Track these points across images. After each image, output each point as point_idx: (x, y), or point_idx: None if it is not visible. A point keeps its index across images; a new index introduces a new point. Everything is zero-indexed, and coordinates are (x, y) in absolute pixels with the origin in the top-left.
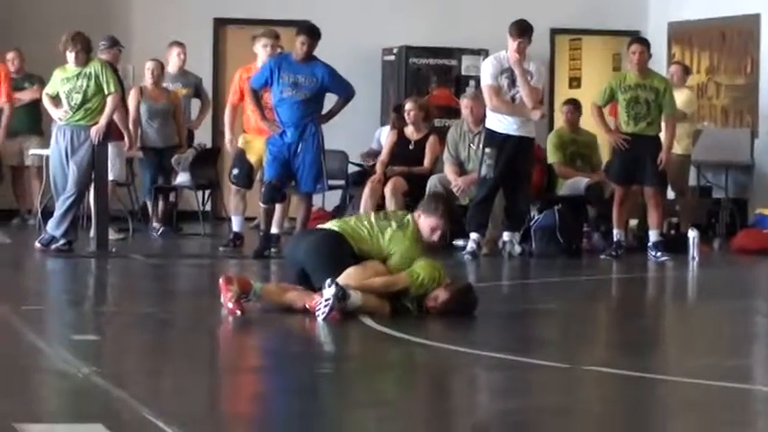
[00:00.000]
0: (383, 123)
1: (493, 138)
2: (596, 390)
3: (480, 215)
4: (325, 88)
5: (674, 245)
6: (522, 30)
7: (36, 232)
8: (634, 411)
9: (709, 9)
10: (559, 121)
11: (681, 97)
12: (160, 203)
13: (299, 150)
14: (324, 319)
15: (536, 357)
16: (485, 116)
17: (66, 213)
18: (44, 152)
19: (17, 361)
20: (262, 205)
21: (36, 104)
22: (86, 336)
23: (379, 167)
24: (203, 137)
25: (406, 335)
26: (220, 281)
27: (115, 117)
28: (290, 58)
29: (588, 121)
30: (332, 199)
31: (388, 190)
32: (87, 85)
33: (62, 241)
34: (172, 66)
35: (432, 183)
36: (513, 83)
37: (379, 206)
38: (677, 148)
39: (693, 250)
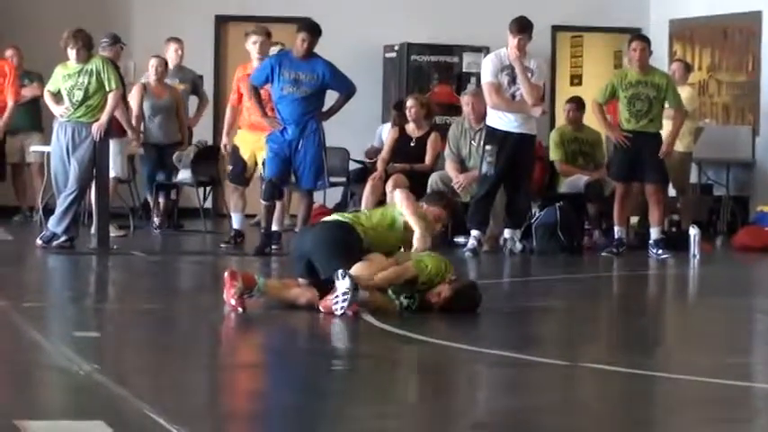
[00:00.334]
0: (384, 120)
1: (494, 135)
2: (597, 387)
3: (481, 212)
4: (326, 85)
5: (675, 242)
6: (522, 26)
7: (37, 229)
8: (634, 408)
9: (710, 6)
10: (561, 118)
11: (682, 95)
12: (161, 200)
13: (299, 147)
14: (344, 313)
15: (537, 354)
16: (486, 113)
17: (67, 210)
18: (45, 149)
19: (18, 358)
20: (262, 202)
21: (35, 102)
22: (87, 333)
23: (380, 164)
24: (204, 134)
25: (408, 332)
26: (225, 275)
27: (117, 114)
28: (291, 55)
29: (592, 119)
30: (333, 196)
31: (389, 187)
32: (89, 82)
33: (63, 238)
34: (169, 62)
35: (433, 180)
36: (513, 80)
37: (381, 203)
38: (678, 146)
39: (694, 248)
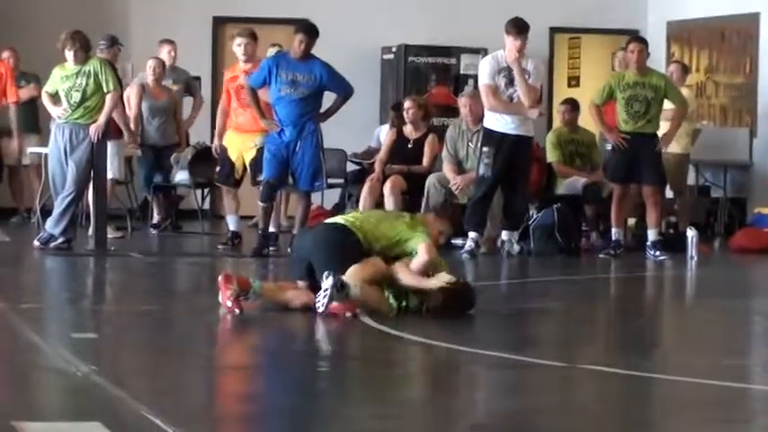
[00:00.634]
0: (382, 122)
1: (491, 137)
2: (594, 389)
3: (479, 214)
4: (324, 86)
5: (672, 244)
6: (522, 28)
7: (35, 231)
8: (632, 410)
9: (708, 8)
10: (558, 120)
11: None
12: (156, 202)
13: (297, 149)
14: (323, 311)
15: (534, 356)
16: (483, 115)
17: (64, 212)
18: (43, 150)
19: (16, 359)
20: (260, 204)
21: (33, 103)
22: (85, 334)
23: (377, 166)
24: (202, 135)
25: (405, 333)
26: (220, 279)
27: (114, 115)
28: (289, 56)
29: (587, 120)
30: (331, 197)
31: (386, 188)
32: (86, 84)
33: (61, 239)
34: None
35: (430, 182)
36: (510, 82)
37: (378, 204)
38: (676, 147)
39: (692, 249)
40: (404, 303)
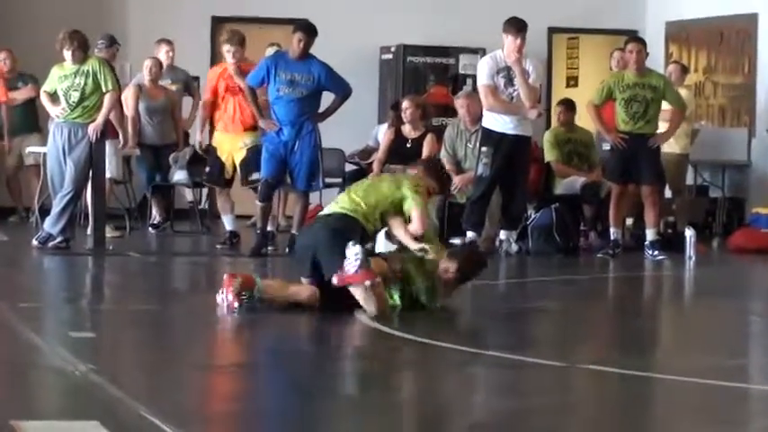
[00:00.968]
0: (380, 121)
1: (490, 136)
2: (593, 388)
3: (477, 214)
4: (322, 86)
5: (670, 244)
6: (521, 26)
7: (33, 230)
8: (630, 410)
9: (706, 8)
10: (555, 120)
11: None
12: (155, 202)
13: (295, 148)
14: (355, 272)
15: (533, 356)
16: (481, 115)
17: (63, 211)
18: (41, 150)
19: (14, 358)
20: (258, 203)
21: (32, 103)
22: (83, 333)
23: (376, 165)
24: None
25: (404, 333)
26: (225, 276)
27: (111, 115)
28: (287, 56)
29: (585, 119)
30: (329, 197)
31: None
32: (85, 83)
33: (59, 239)
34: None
35: None
36: (509, 81)
37: None
38: (675, 147)
39: (690, 249)
40: (397, 301)
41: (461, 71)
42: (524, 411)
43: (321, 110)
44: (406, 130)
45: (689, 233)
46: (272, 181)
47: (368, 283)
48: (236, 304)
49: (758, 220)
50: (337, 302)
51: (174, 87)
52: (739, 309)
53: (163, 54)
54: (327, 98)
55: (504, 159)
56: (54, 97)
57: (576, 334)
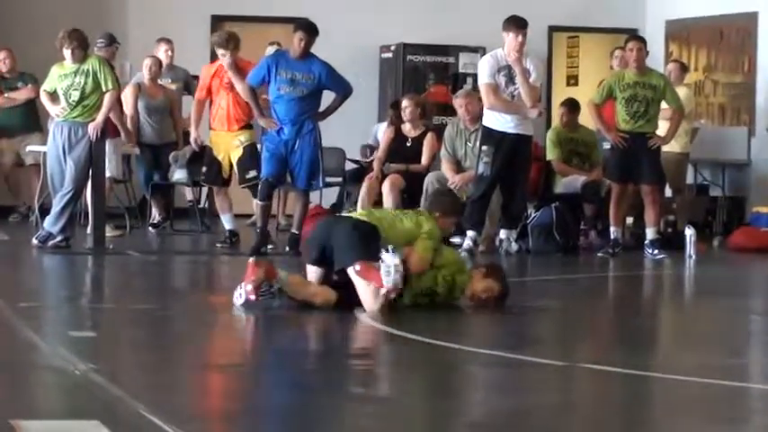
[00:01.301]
0: (381, 120)
1: (490, 135)
2: (592, 387)
3: (477, 213)
4: (323, 85)
5: (670, 243)
6: (522, 24)
7: (33, 229)
8: (630, 409)
9: (706, 7)
10: (557, 119)
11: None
12: (155, 201)
13: (296, 147)
14: (394, 286)
15: (532, 355)
16: (481, 114)
17: (63, 210)
18: (42, 149)
19: (14, 358)
20: (258, 202)
21: (32, 103)
22: (83, 332)
23: (376, 164)
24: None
25: (404, 332)
26: (250, 261)
27: (111, 115)
28: (288, 54)
29: (587, 119)
30: (329, 196)
31: (385, 187)
32: (85, 82)
33: (59, 238)
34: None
35: (429, 180)
36: (510, 80)
37: (377, 203)
38: (675, 146)
39: (690, 248)
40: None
41: (461, 70)
42: (524, 410)
43: (321, 109)
44: (406, 128)
45: (689, 232)
46: (273, 180)
47: (384, 291)
48: (252, 297)
49: (758, 219)
50: (349, 304)
51: (173, 86)
52: (739, 308)
53: (162, 53)
54: (327, 97)
55: (504, 158)
56: (54, 96)
57: (575, 333)
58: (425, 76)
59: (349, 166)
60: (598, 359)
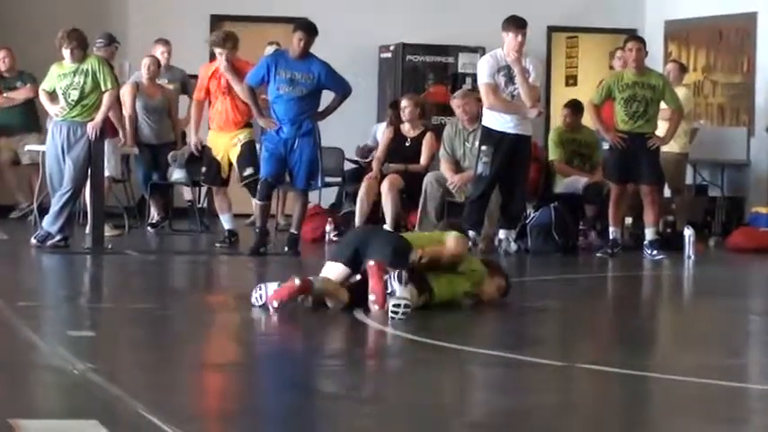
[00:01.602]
0: (380, 120)
1: (489, 135)
2: (591, 387)
3: (476, 213)
4: (322, 85)
5: (669, 243)
6: (521, 24)
7: (32, 228)
8: (629, 409)
9: (705, 7)
10: (556, 119)
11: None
12: (153, 201)
13: (295, 147)
14: (393, 319)
15: (532, 355)
16: (479, 114)
17: (62, 210)
18: (40, 148)
19: (13, 357)
20: (257, 202)
21: (31, 102)
22: (82, 332)
23: (375, 164)
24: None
25: (403, 332)
26: (296, 282)
27: (110, 114)
28: (287, 54)
29: (585, 118)
30: (328, 196)
31: (384, 187)
32: (84, 82)
33: (58, 237)
34: None
35: (428, 180)
36: (510, 80)
37: (376, 203)
38: (674, 147)
39: (689, 249)
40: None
41: (461, 70)
42: (524, 410)
43: (321, 109)
44: (405, 128)
45: (688, 232)
46: (272, 180)
47: (375, 306)
48: (275, 303)
49: (757, 220)
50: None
51: (171, 86)
52: (738, 308)
53: (158, 55)
54: (327, 97)
55: (504, 158)
56: (53, 96)
57: (575, 333)
58: (425, 76)
59: (348, 165)
60: (597, 359)
